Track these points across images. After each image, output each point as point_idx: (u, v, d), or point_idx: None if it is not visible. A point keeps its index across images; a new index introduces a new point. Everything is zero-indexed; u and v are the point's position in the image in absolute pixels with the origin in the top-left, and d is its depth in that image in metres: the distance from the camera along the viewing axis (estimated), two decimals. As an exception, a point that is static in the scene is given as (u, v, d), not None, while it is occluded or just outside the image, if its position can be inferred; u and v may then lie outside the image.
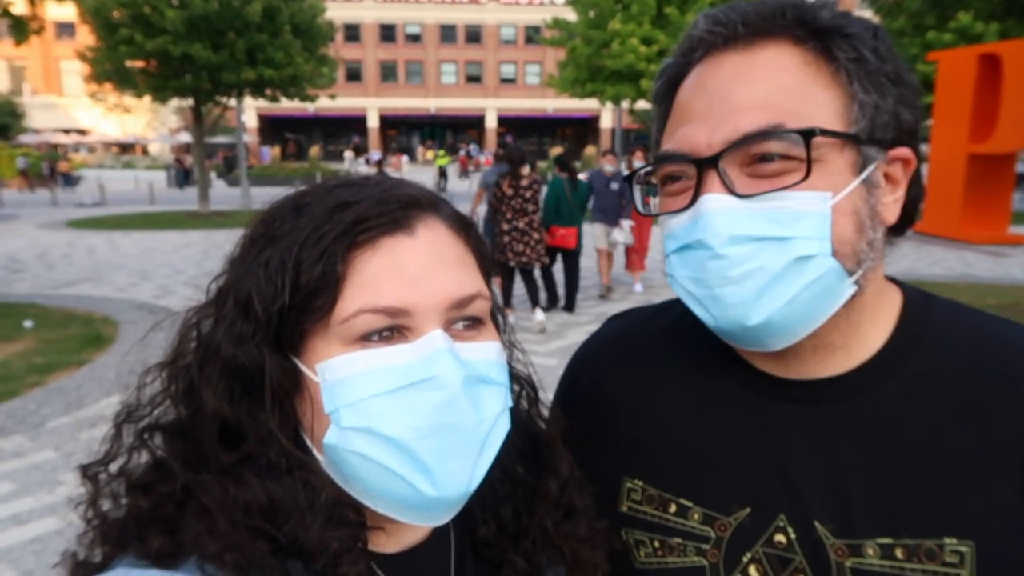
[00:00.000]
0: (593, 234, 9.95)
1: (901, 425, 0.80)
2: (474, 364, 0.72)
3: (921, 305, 0.87)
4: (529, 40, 57.85)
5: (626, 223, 9.88)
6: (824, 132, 0.74)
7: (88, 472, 0.74)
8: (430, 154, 43.92)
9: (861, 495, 0.79)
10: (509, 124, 62.43)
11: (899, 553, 0.76)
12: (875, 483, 0.79)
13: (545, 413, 0.93)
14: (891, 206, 0.81)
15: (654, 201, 0.90)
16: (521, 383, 0.91)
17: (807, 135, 0.74)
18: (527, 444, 0.88)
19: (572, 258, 9.15)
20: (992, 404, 0.78)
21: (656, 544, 0.89)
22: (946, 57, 15.72)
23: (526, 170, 8.35)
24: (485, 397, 0.73)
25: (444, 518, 0.75)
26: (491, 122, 61.25)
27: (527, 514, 0.86)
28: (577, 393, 1.03)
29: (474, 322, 0.76)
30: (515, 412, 0.87)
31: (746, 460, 0.86)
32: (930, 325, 0.84)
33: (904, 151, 0.80)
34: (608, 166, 10.09)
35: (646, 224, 10.11)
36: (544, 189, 8.79)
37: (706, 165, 0.77)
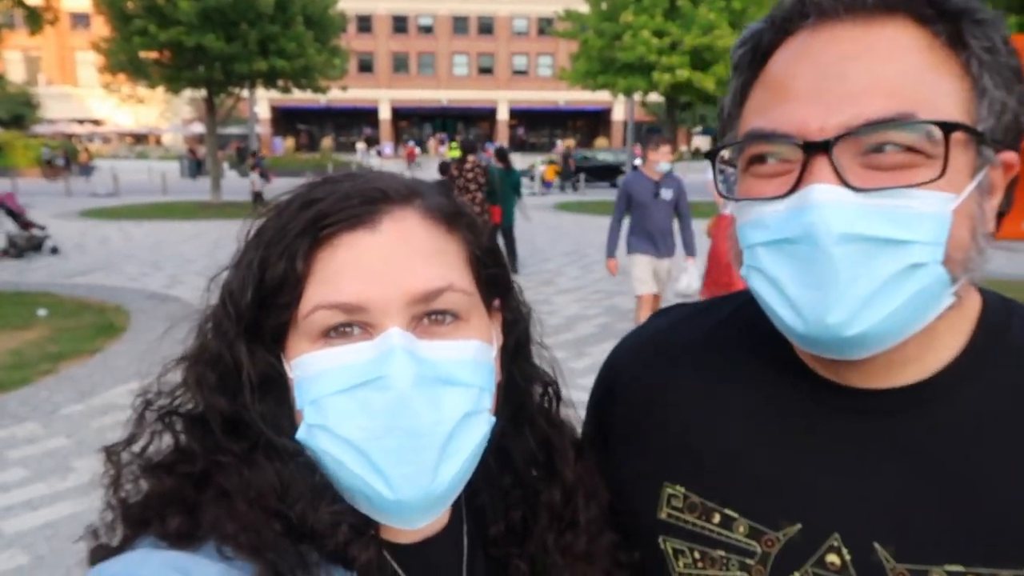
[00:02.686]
0: (630, 271, 6.97)
1: (977, 441, 0.72)
2: (436, 363, 0.69)
3: (1002, 312, 0.78)
4: (541, 32, 57.59)
5: (694, 266, 6.85)
6: (965, 127, 0.66)
7: (111, 453, 0.75)
8: (450, 151, 43.57)
9: (928, 516, 0.71)
10: (521, 116, 62.27)
11: None
12: (945, 504, 0.71)
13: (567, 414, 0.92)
14: (991, 215, 0.72)
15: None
16: (545, 386, 0.89)
17: (948, 128, 0.65)
18: (542, 450, 0.87)
19: (504, 231, 11.04)
20: None
21: (696, 555, 0.83)
22: (962, 50, 15.51)
23: (472, 158, 10.44)
24: (446, 399, 0.69)
25: (421, 521, 0.73)
26: (503, 114, 61.08)
27: (534, 520, 0.85)
28: (616, 391, 0.98)
29: (448, 317, 0.73)
30: (532, 417, 0.86)
31: (799, 472, 0.78)
32: (1012, 333, 0.76)
33: (1012, 155, 0.72)
34: (664, 163, 6.65)
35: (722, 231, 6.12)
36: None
37: (816, 150, 0.67)
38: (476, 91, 60.83)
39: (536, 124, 63.60)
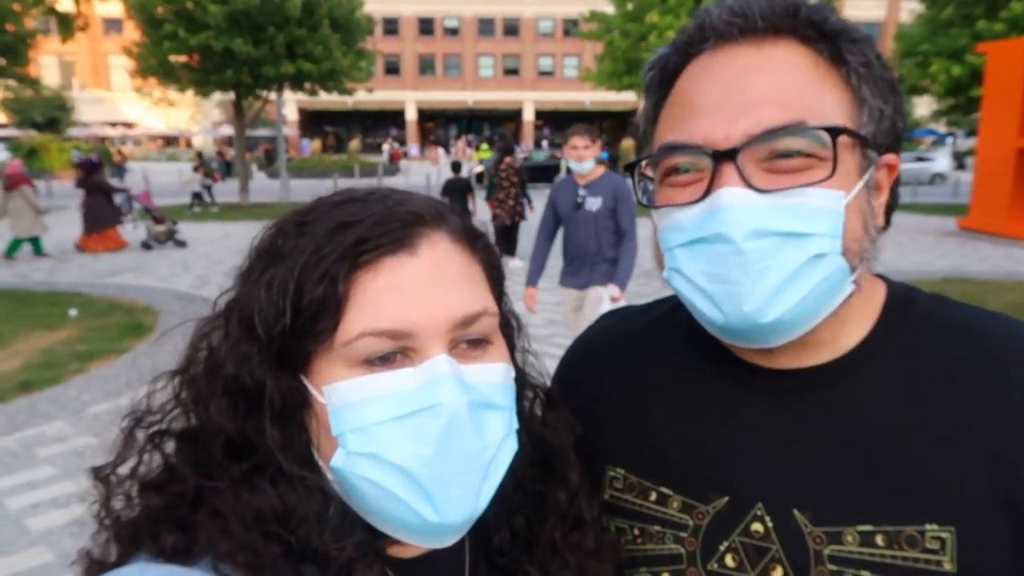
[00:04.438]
0: (562, 310, 5.55)
1: (881, 412, 0.80)
2: (479, 388, 0.71)
3: (903, 299, 0.87)
4: (567, 33, 57.51)
5: (608, 293, 4.99)
6: (848, 131, 0.75)
7: (99, 474, 0.75)
8: (480, 152, 41.36)
9: (841, 482, 0.79)
10: (546, 117, 62.22)
11: (879, 540, 0.76)
12: (855, 469, 0.79)
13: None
14: (880, 210, 0.82)
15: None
16: (535, 390, 0.89)
17: (834, 133, 0.74)
18: (539, 453, 0.87)
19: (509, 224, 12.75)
20: (972, 390, 0.78)
21: (636, 532, 0.90)
22: (996, 48, 15.25)
23: (508, 159, 12.27)
24: (489, 423, 0.71)
25: (450, 540, 0.74)
26: (528, 115, 61.08)
27: (539, 523, 0.85)
28: (566, 389, 1.01)
29: (481, 341, 0.74)
30: (528, 420, 0.86)
31: (726, 448, 0.86)
32: (911, 317, 0.85)
33: (893, 157, 0.82)
34: (575, 161, 5.07)
35: None
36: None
37: (723, 158, 0.75)
38: (502, 92, 60.89)
39: (562, 125, 63.40)
